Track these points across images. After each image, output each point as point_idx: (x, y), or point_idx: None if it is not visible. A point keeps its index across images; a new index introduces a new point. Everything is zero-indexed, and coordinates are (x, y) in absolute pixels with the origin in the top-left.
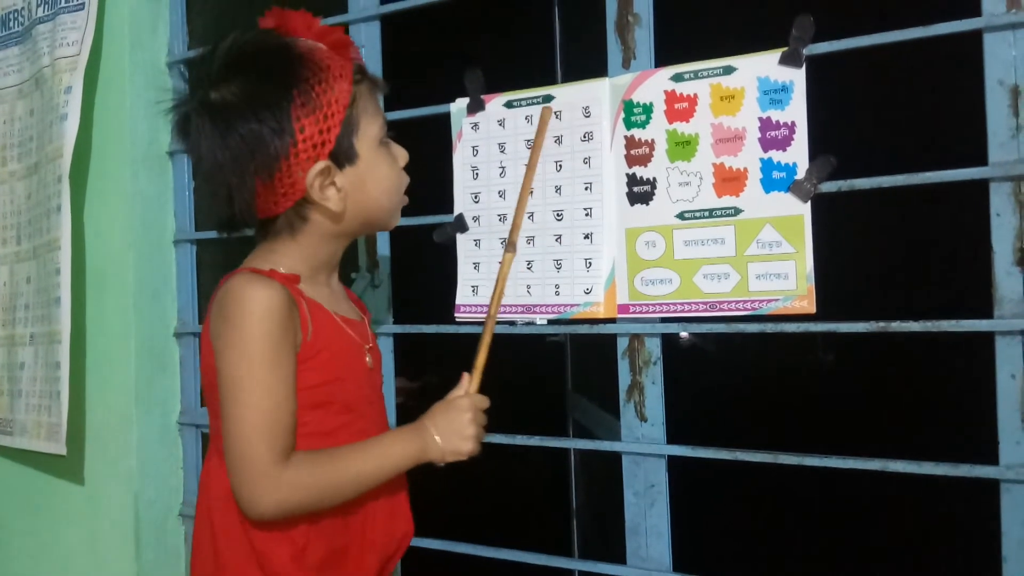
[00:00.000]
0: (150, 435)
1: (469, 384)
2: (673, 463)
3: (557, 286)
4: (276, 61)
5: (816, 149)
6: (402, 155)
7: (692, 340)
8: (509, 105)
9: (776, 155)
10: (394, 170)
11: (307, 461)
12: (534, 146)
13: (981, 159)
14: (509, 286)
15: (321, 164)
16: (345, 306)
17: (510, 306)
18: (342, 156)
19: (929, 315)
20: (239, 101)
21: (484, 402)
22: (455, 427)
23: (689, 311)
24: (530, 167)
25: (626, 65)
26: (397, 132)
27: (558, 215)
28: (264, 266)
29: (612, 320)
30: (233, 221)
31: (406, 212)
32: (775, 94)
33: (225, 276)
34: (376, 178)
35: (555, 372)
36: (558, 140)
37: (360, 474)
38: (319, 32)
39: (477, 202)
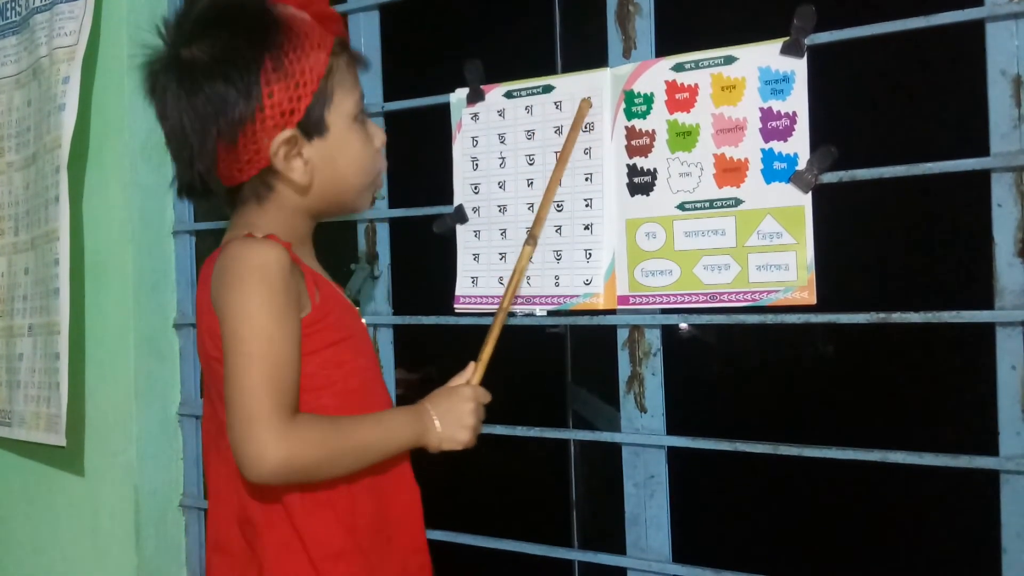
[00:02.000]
0: (150, 426)
1: (473, 374)
2: (673, 454)
3: (557, 277)
4: (251, 22)
5: (817, 139)
6: (379, 135)
7: (692, 331)
8: (509, 95)
9: (777, 145)
10: (367, 149)
11: (313, 420)
12: (568, 139)
13: (983, 149)
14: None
15: (287, 133)
16: (329, 278)
17: None
18: (311, 127)
19: (930, 306)
20: (209, 60)
21: (486, 396)
22: (455, 415)
23: (689, 302)
24: (561, 160)
25: (627, 55)
26: (397, 122)
27: (558, 206)
28: (257, 233)
29: (612, 311)
30: (194, 186)
31: (405, 203)
32: (776, 84)
33: (217, 249)
34: (347, 154)
35: (555, 363)
36: (558, 130)
37: (364, 443)
38: (303, 1)
39: (477, 193)
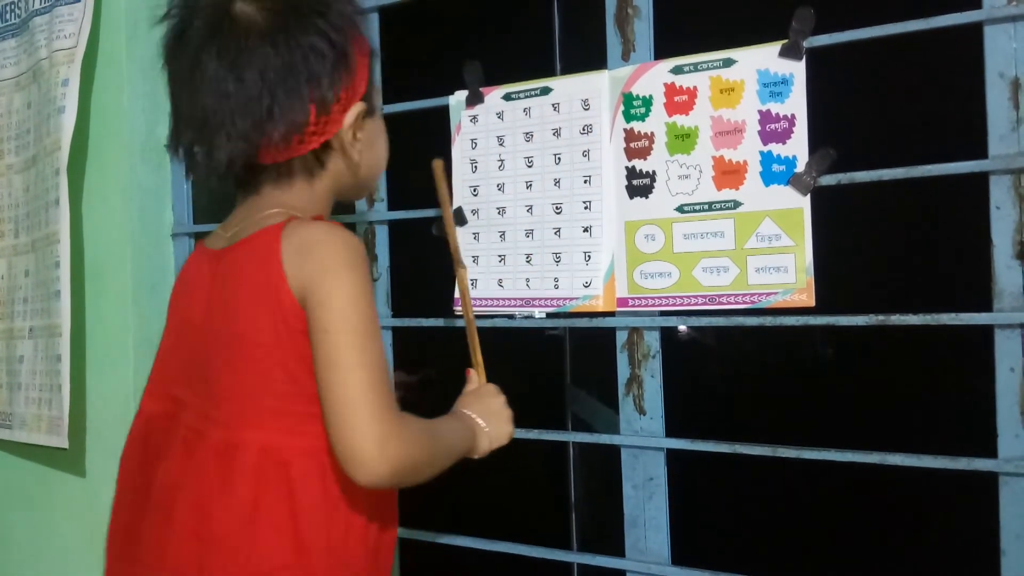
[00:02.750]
0: None
1: (480, 377)
2: (672, 456)
3: (556, 279)
4: None
5: (816, 142)
6: None
7: (691, 333)
8: (508, 98)
9: (776, 148)
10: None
11: (414, 418)
12: (442, 200)
13: (981, 152)
14: (508, 279)
15: (360, 106)
16: None
17: (509, 299)
18: (369, 106)
19: (929, 308)
20: (301, 6)
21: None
22: (494, 411)
23: (688, 304)
24: (445, 214)
25: (625, 57)
26: (396, 125)
27: (557, 208)
28: (300, 216)
29: (611, 313)
30: (249, 158)
31: (404, 205)
32: (775, 87)
33: (268, 229)
34: (381, 140)
35: (554, 365)
36: (557, 133)
37: (447, 447)
38: None
39: (476, 195)
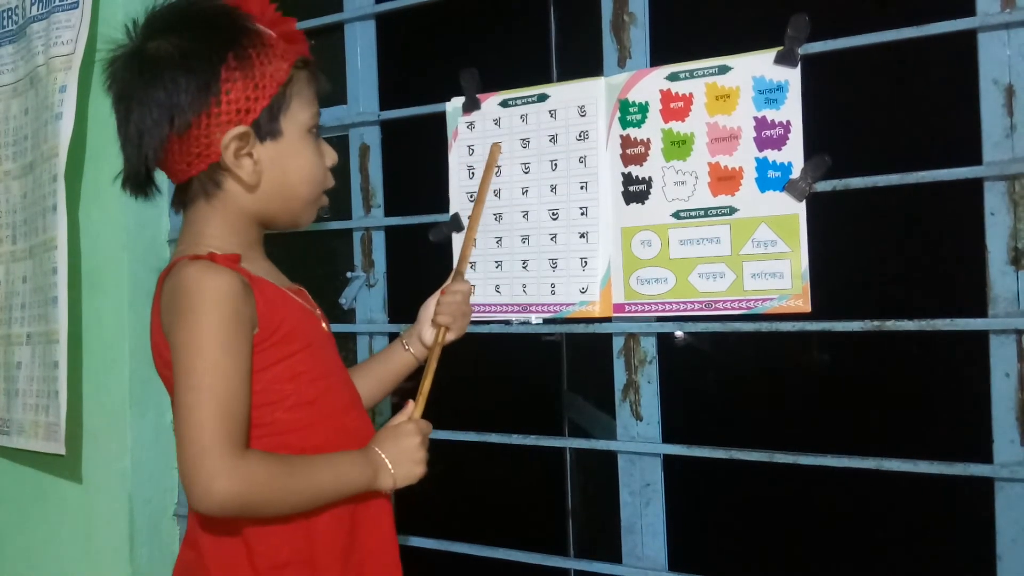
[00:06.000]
0: (144, 435)
1: (413, 410)
2: (669, 462)
3: (553, 285)
4: (220, 22)
5: (811, 148)
6: (331, 155)
7: (687, 339)
8: (505, 104)
9: (771, 154)
10: (318, 162)
11: (263, 457)
12: (483, 181)
13: (975, 158)
14: (505, 285)
15: (240, 129)
16: (284, 280)
17: (505, 305)
18: (264, 129)
19: (924, 314)
20: (174, 51)
21: (428, 428)
22: (406, 452)
23: (685, 310)
24: (479, 202)
25: (621, 64)
26: (393, 131)
27: (553, 214)
28: (201, 250)
29: (608, 319)
30: (139, 176)
31: (401, 211)
32: (770, 93)
33: (169, 265)
34: (297, 162)
35: (551, 371)
36: (553, 139)
37: (314, 485)
38: (272, 19)
39: (473, 201)
